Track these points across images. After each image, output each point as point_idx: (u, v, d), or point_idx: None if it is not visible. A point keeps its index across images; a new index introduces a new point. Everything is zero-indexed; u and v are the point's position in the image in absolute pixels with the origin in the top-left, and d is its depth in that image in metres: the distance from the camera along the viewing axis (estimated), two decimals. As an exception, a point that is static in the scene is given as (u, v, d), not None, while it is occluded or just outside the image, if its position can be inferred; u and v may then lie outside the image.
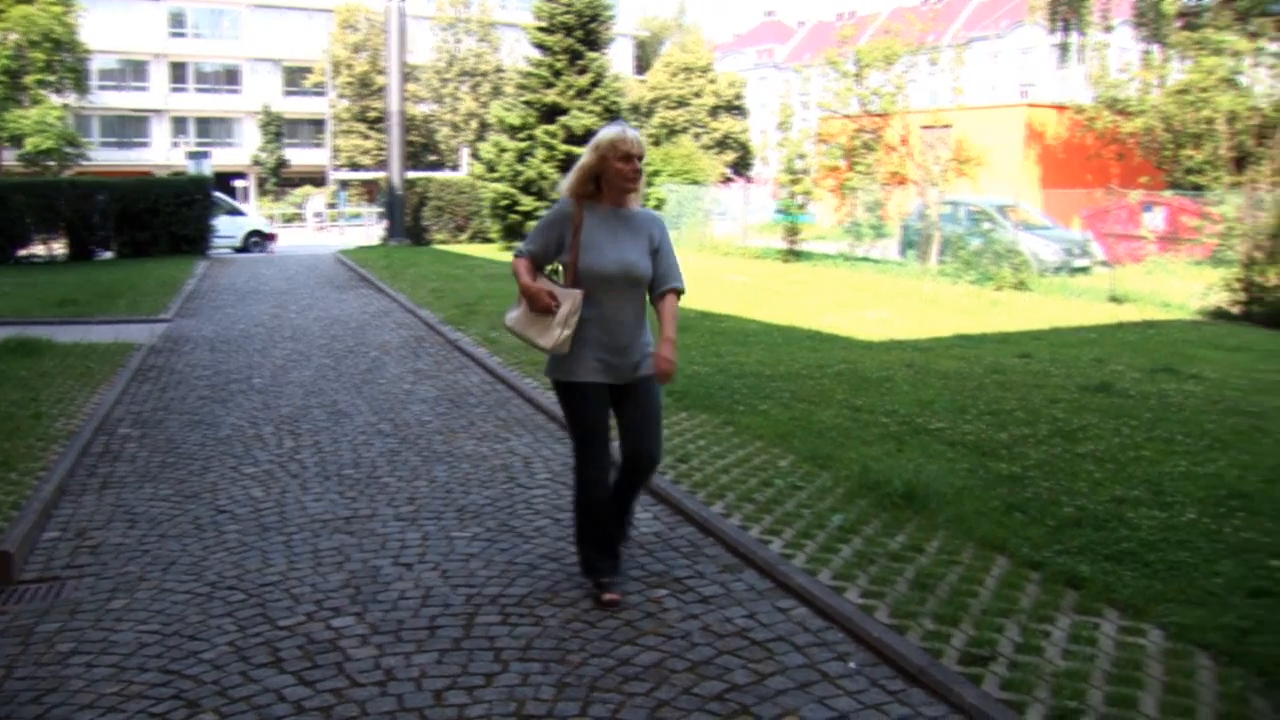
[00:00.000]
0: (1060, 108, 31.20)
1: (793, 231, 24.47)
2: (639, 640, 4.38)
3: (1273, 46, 23.33)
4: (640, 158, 4.65)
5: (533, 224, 26.88)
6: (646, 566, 5.23)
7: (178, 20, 65.49)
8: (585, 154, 4.68)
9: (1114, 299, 16.86)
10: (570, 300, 4.59)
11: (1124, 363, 10.60)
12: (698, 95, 66.26)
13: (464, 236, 30.89)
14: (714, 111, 66.05)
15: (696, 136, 60.42)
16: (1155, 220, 21.71)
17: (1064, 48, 29.87)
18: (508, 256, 24.79)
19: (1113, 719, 3.66)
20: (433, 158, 59.78)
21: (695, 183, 31.02)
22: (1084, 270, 20.70)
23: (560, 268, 4.79)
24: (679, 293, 4.79)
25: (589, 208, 4.70)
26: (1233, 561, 4.99)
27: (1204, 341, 12.55)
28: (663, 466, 6.76)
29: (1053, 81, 33.20)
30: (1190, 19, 24.37)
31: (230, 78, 67.22)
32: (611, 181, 4.65)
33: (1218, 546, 5.20)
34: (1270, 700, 3.79)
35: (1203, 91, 22.92)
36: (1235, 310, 15.23)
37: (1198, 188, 22.05)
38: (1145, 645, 4.20)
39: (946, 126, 28.93)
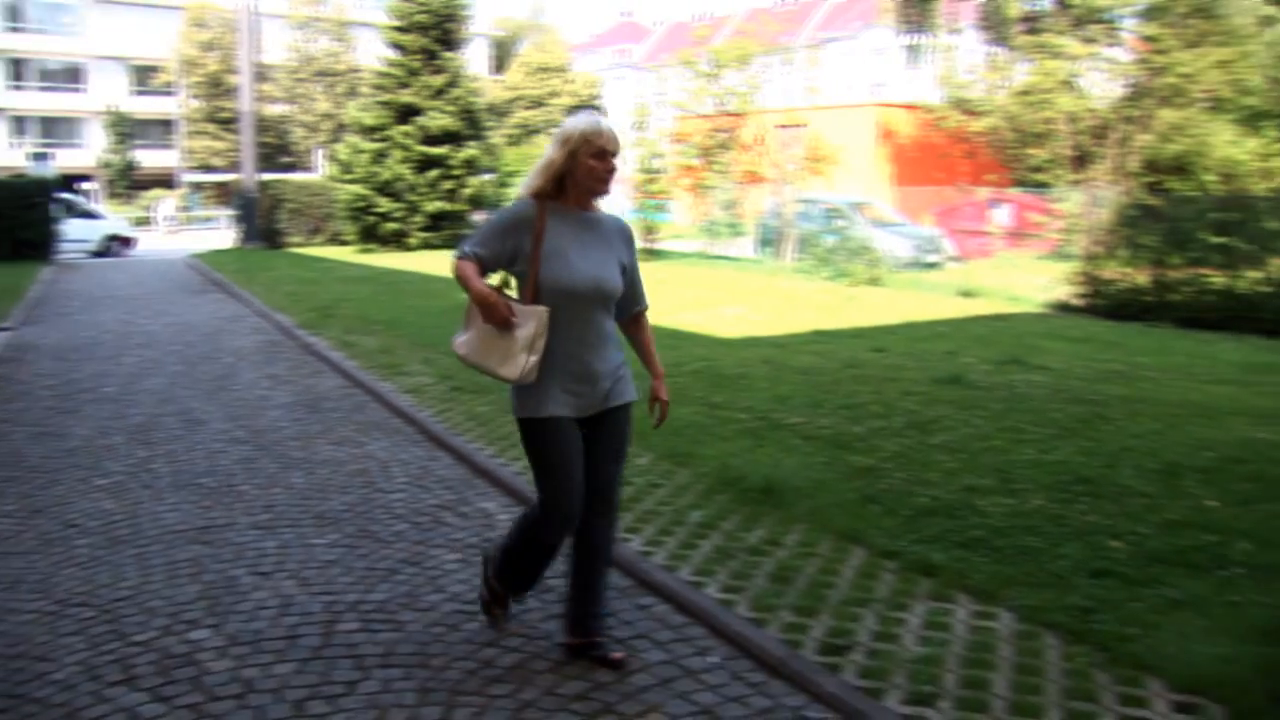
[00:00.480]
0: (911, 107, 31.99)
1: (650, 230, 24.58)
2: (501, 642, 4.34)
3: (1107, 51, 24.24)
4: (616, 154, 3.99)
5: (393, 226, 26.94)
6: (508, 568, 5.18)
7: (15, 14, 62.82)
8: (551, 148, 3.99)
9: (964, 293, 17.33)
10: (535, 320, 3.86)
11: (974, 355, 10.89)
12: (555, 95, 66.19)
13: (320, 239, 30.34)
14: (572, 111, 65.94)
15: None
16: (1002, 216, 22.42)
17: (913, 49, 30.62)
18: (364, 259, 24.51)
19: (967, 701, 3.75)
20: (287, 159, 58.51)
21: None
22: (936, 266, 21.23)
23: (512, 281, 4.09)
24: (645, 313, 4.31)
25: (552, 211, 3.98)
26: (1077, 544, 5.16)
27: (1050, 333, 12.97)
28: (523, 466, 6.72)
29: (904, 82, 33.99)
30: (1031, 23, 25.17)
31: (74, 76, 64.71)
32: (581, 182, 3.97)
33: (1063, 530, 5.37)
34: (1111, 674, 3.93)
35: (1044, 93, 23.69)
36: (1078, 303, 15.79)
37: (1042, 185, 22.80)
38: (996, 628, 4.31)
39: (801, 126, 29.41)
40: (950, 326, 13.49)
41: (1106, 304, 15.41)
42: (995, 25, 26.01)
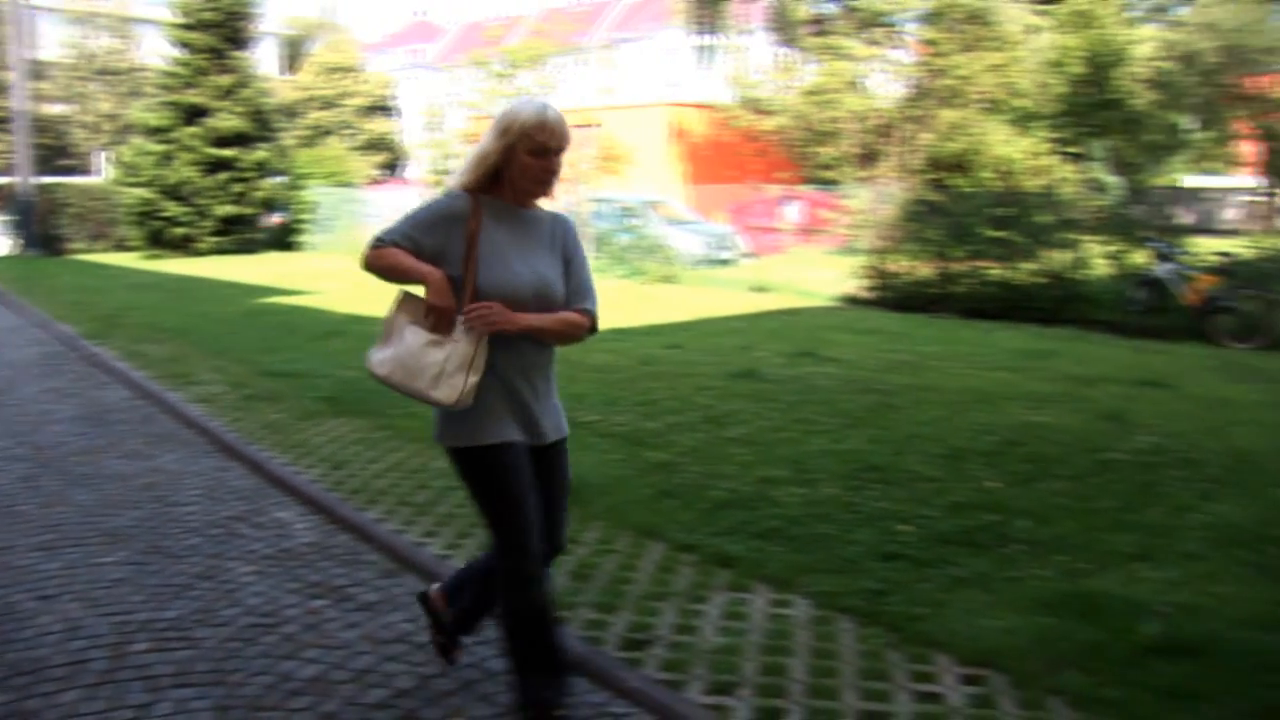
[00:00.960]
0: (703, 107, 32.49)
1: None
2: (300, 654, 4.20)
3: (891, 54, 25.08)
4: (560, 151, 3.42)
5: (181, 230, 25.89)
6: (304, 577, 5.03)
7: None
8: (488, 138, 3.42)
9: (757, 289, 17.70)
10: (473, 335, 3.29)
11: (768, 349, 11.11)
12: (348, 96, 64.83)
13: (104, 245, 28.93)
14: (365, 112, 64.80)
15: (348, 138, 59.10)
16: (793, 213, 22.98)
17: (705, 50, 31.07)
18: (152, 265, 23.45)
19: (766, 687, 3.81)
20: (67, 162, 55.56)
21: (346, 185, 30.35)
22: (729, 262, 21.63)
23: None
24: (593, 320, 3.63)
25: (487, 206, 3.43)
26: (868, 530, 5.31)
27: (840, 326, 13.34)
28: (319, 474, 6.54)
29: (697, 82, 34.47)
30: (819, 26, 25.82)
31: None
32: (515, 181, 3.42)
33: (855, 517, 5.52)
34: (903, 653, 4.06)
35: (832, 93, 24.33)
36: (867, 296, 16.32)
37: (831, 182, 23.42)
38: (793, 615, 4.40)
39: (595, 125, 29.54)
40: (744, 322, 13.75)
41: (894, 296, 15.98)
42: (784, 27, 26.57)
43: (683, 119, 33.36)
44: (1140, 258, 15.18)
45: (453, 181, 3.51)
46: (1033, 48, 21.83)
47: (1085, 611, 4.33)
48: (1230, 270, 14.32)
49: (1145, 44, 23.17)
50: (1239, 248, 15.60)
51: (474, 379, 3.28)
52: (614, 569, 4.91)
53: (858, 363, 10.32)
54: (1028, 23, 21.83)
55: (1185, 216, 24.23)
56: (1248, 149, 27.42)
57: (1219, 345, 12.99)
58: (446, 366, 3.28)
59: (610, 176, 23.85)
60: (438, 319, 3.31)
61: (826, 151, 24.76)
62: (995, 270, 15.40)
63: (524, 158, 3.37)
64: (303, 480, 6.45)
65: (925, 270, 16.04)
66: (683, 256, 20.11)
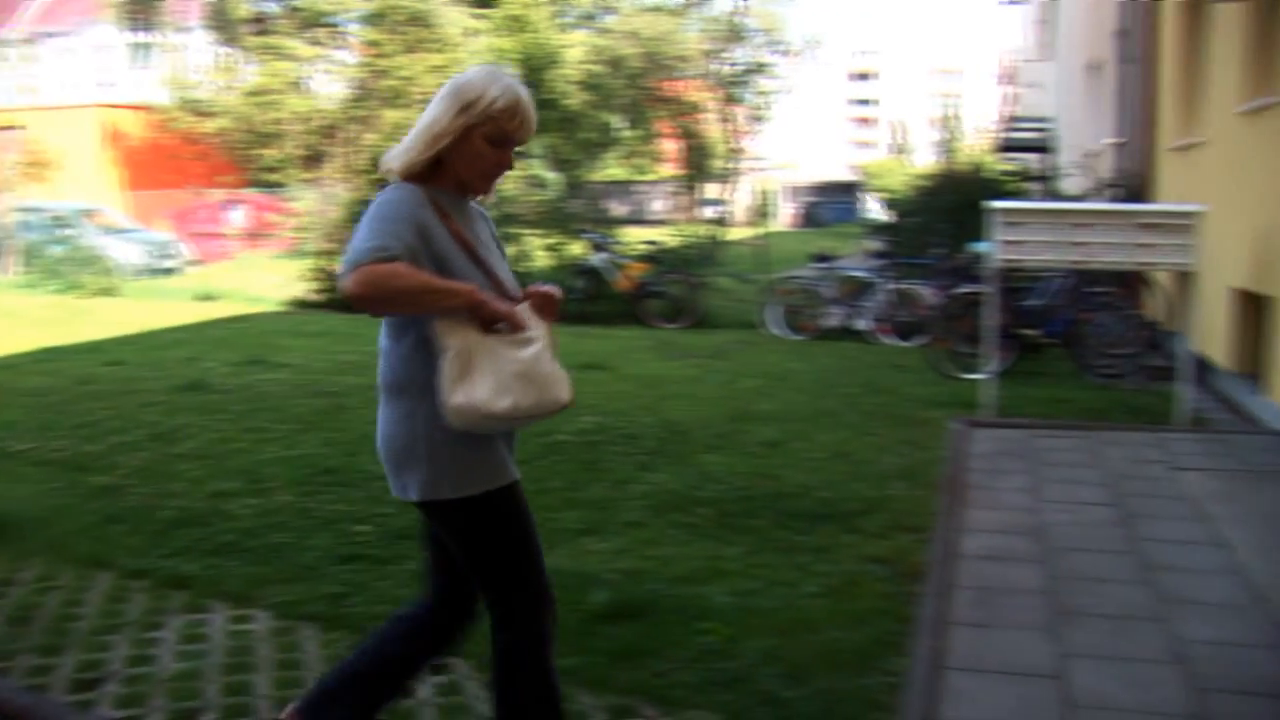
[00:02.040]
0: (140, 108, 30.68)
1: None
2: None
3: (335, 54, 24.98)
4: (520, 145, 2.87)
5: None
6: None
7: None
8: (440, 111, 2.76)
9: (204, 297, 17.11)
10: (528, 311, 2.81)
11: (216, 359, 10.78)
12: None
13: None
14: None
15: None
16: (238, 218, 22.36)
17: (140, 47, 29.35)
18: None
19: (231, 707, 3.72)
20: None
21: None
22: (173, 271, 20.80)
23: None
24: None
25: (441, 198, 2.77)
26: (325, 534, 5.33)
27: (290, 331, 13.20)
28: None
29: (133, 82, 32.34)
30: (260, 25, 25.19)
31: None
32: (460, 169, 2.80)
33: (311, 522, 5.52)
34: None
35: (274, 94, 23.85)
36: (316, 298, 16.22)
37: (276, 185, 23.02)
38: (255, 629, 4.32)
39: (17, 128, 27.14)
40: (189, 332, 13.25)
41: (342, 298, 16.00)
42: (223, 25, 25.62)
43: (117, 121, 31.34)
44: (578, 249, 16.30)
45: (387, 164, 2.82)
46: (472, 50, 22.58)
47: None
48: (658, 258, 15.79)
49: (577, 48, 24.65)
50: (665, 237, 17.19)
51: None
52: (58, 606, 4.56)
53: (308, 366, 10.27)
54: (466, 26, 22.53)
55: (619, 209, 26.28)
56: (671, 146, 30.10)
57: (652, 327, 14.29)
58: (545, 358, 2.76)
59: (37, 184, 21.96)
60: (514, 324, 2.73)
61: (270, 154, 24.25)
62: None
63: (480, 144, 2.76)
64: None
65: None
66: (122, 267, 19.11)
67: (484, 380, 2.64)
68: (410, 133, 2.80)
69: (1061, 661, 3.96)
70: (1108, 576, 4.86)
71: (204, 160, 26.13)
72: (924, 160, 54.46)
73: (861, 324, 13.18)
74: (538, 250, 16.43)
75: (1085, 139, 18.35)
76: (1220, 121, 9.40)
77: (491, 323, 2.68)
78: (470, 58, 22.20)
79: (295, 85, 24.31)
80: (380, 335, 2.91)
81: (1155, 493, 6.24)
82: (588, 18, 27.12)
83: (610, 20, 26.64)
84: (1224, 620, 4.37)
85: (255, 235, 21.05)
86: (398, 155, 2.79)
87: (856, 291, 13.56)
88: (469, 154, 2.76)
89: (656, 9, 27.09)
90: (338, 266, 2.75)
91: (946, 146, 49.41)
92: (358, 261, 2.53)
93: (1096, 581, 4.79)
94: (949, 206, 16.01)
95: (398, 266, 2.53)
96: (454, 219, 2.77)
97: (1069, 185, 15.73)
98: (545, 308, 2.88)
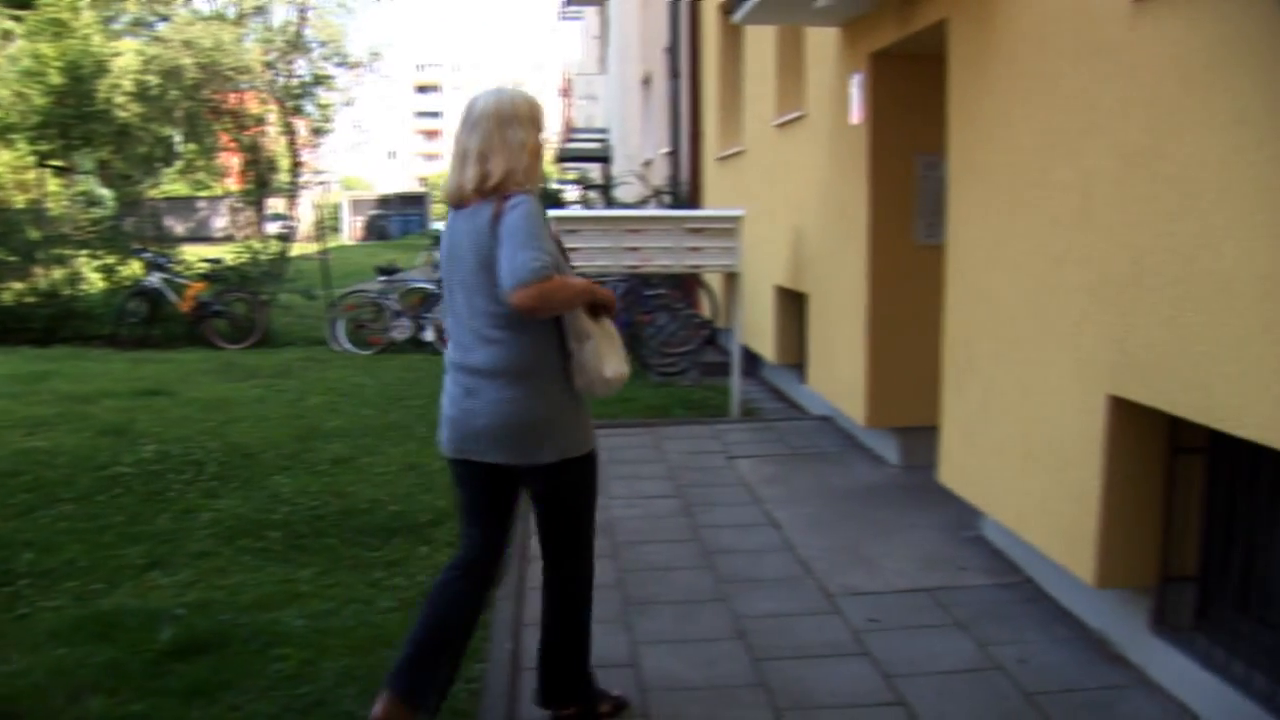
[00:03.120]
0: None
1: None
2: None
3: None
4: None
5: None
6: None
7: None
8: (527, 133, 3.30)
9: None
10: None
11: None
12: None
13: None
14: None
15: None
16: None
17: None
18: None
19: None
20: None
21: None
22: None
23: None
24: None
25: None
26: None
27: None
28: None
29: None
30: None
31: None
32: (532, 174, 3.33)
33: None
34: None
35: None
36: None
37: None
38: None
39: None
40: None
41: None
42: None
43: None
44: (134, 269, 15.56)
45: (524, 185, 3.26)
46: (6, 55, 20.90)
47: (102, 632, 4.39)
48: (219, 276, 15.36)
49: (128, 56, 23.35)
50: (228, 254, 16.73)
51: None
52: None
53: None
54: (2, 28, 20.89)
55: (178, 226, 25.21)
56: (233, 160, 29.03)
57: (215, 348, 13.92)
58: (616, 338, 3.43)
59: None
60: (611, 310, 3.41)
61: None
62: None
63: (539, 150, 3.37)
64: None
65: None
66: None
67: (614, 355, 3.35)
68: (515, 156, 3.25)
69: (634, 649, 4.33)
70: (674, 565, 5.36)
71: None
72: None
73: (428, 335, 13.39)
74: (90, 271, 15.52)
75: (640, 149, 19.52)
76: (758, 133, 10.16)
77: (604, 310, 3.35)
78: (5, 64, 20.60)
79: None
80: (482, 327, 3.32)
81: (713, 481, 6.91)
82: (140, 24, 25.77)
83: (164, 28, 25.44)
84: (778, 593, 4.93)
85: None
86: (521, 175, 3.25)
87: (422, 303, 13.74)
88: (538, 156, 3.35)
89: (213, 18, 26.22)
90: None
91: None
92: (528, 280, 3.04)
93: (664, 571, 5.27)
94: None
95: (558, 280, 3.12)
96: None
97: (626, 193, 16.57)
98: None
